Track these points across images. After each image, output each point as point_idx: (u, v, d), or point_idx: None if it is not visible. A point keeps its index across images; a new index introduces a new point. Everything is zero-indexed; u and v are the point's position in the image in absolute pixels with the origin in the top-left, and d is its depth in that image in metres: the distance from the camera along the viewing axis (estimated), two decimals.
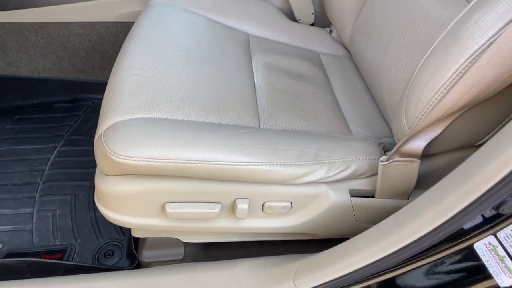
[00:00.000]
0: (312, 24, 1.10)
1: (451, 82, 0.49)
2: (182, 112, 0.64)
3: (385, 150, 0.71)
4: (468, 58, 0.47)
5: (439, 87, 0.50)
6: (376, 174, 0.66)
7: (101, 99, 0.75)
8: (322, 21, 1.09)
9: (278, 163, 0.59)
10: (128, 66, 0.71)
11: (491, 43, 0.45)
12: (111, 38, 1.12)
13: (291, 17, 1.07)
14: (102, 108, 0.66)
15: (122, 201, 0.61)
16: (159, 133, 0.57)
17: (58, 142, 1.10)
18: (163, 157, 0.55)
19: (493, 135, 0.63)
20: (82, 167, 1.03)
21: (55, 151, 1.07)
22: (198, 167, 0.56)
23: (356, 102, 0.86)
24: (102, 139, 0.57)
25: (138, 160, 0.54)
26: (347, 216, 0.68)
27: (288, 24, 1.03)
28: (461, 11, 0.60)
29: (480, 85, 0.47)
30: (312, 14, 1.07)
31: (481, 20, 0.47)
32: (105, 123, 0.60)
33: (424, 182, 0.67)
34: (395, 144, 0.67)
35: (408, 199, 0.68)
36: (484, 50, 0.46)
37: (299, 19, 1.08)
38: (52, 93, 1.21)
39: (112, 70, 0.74)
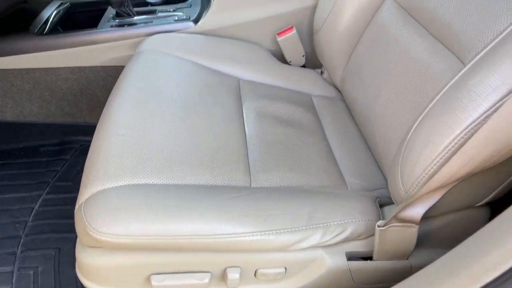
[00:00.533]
0: (304, 66, 1.09)
1: (446, 153, 0.47)
2: (169, 175, 0.61)
3: (381, 205, 0.69)
4: (463, 130, 0.46)
5: (435, 156, 0.48)
6: (373, 235, 0.63)
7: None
8: (313, 62, 1.09)
9: (271, 232, 0.56)
10: (114, 124, 0.68)
11: (486, 118, 0.44)
12: (100, 81, 1.10)
13: (282, 59, 1.06)
14: (85, 171, 0.63)
15: (104, 274, 0.58)
16: (144, 205, 0.54)
17: (43, 190, 1.06)
18: (148, 233, 0.51)
19: (494, 196, 0.61)
20: (67, 217, 0.98)
21: (40, 200, 1.03)
22: (186, 242, 0.53)
23: (350, 149, 0.84)
24: (83, 211, 0.54)
25: (120, 238, 0.51)
26: (344, 279, 0.65)
27: (279, 67, 1.02)
28: (452, 67, 0.60)
29: (477, 160, 0.45)
30: (303, 56, 1.06)
31: (474, 91, 0.45)
32: (86, 191, 0.57)
33: (424, 241, 0.65)
34: (391, 197, 0.65)
35: (407, 259, 0.65)
36: (479, 123, 0.44)
37: (290, 61, 1.07)
38: (38, 137, 1.18)
39: (97, 127, 0.71)
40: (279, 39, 1.01)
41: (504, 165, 0.54)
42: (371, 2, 0.85)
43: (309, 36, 1.05)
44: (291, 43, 1.02)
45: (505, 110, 0.41)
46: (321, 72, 1.06)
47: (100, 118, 0.75)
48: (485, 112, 0.44)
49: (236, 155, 0.71)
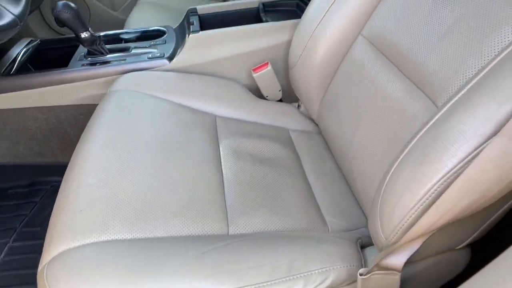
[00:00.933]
0: (281, 100, 1.09)
1: (424, 202, 0.47)
2: (140, 228, 0.58)
3: (363, 246, 0.67)
4: (440, 179, 0.45)
5: (413, 205, 0.48)
6: (355, 281, 0.61)
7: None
8: (290, 96, 1.09)
9: (249, 287, 0.53)
10: (83, 173, 0.65)
11: (461, 168, 0.43)
12: (72, 120, 1.06)
13: (259, 94, 1.05)
14: (49, 227, 0.59)
15: None
16: (112, 267, 0.50)
17: (10, 237, 1.00)
18: None
19: (474, 238, 0.60)
20: (36, 266, 0.93)
21: (6, 248, 0.97)
22: None
23: (330, 186, 0.83)
24: (45, 274, 0.50)
25: None
26: None
27: (255, 102, 1.02)
28: (426, 109, 0.60)
29: (455, 210, 0.44)
30: (279, 90, 1.06)
31: (448, 140, 0.45)
32: (50, 251, 0.53)
33: (406, 285, 0.63)
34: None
35: None
36: (455, 173, 0.44)
37: (267, 96, 1.07)
38: (6, 179, 1.12)
39: (65, 175, 0.68)
40: (254, 75, 1.01)
41: (483, 209, 0.53)
42: (344, 39, 0.86)
43: (284, 71, 1.06)
44: (267, 79, 1.02)
45: (479, 163, 0.41)
46: (298, 106, 1.06)
47: (69, 165, 0.72)
48: (459, 163, 0.44)
49: (212, 200, 0.69)
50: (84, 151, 0.73)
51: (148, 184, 0.66)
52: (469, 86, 0.49)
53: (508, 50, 0.46)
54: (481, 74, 0.48)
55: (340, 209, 0.77)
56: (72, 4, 0.93)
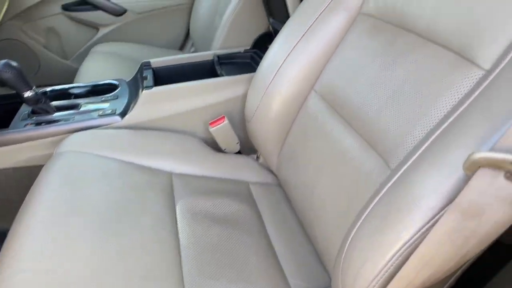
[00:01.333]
0: (239, 152, 1.08)
1: (383, 275, 0.46)
2: None
3: None
4: (397, 251, 0.45)
5: (372, 278, 0.47)
6: None
7: None
8: (248, 147, 1.08)
9: None
10: (18, 256, 0.58)
11: (416, 239, 0.43)
12: (13, 184, 0.98)
13: (216, 147, 1.04)
14: None
15: None
16: None
17: None
18: None
19: None
20: None
21: None
22: None
23: (292, 244, 0.81)
24: None
25: None
26: None
27: (213, 156, 0.99)
28: (381, 169, 0.60)
29: (415, 283, 0.43)
30: (237, 143, 1.05)
31: (402, 210, 0.45)
32: None
33: None
34: None
35: None
36: (411, 244, 0.44)
37: (225, 149, 1.05)
38: None
39: (0, 254, 0.61)
40: (211, 129, 1.00)
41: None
42: (298, 94, 0.87)
43: (241, 123, 1.05)
44: (224, 133, 1.01)
45: (434, 236, 0.41)
46: (257, 157, 1.05)
47: (4, 243, 0.65)
48: (415, 234, 0.43)
49: (168, 274, 0.64)
50: (23, 225, 0.66)
51: (95, 263, 0.61)
52: (418, 153, 0.50)
53: (451, 119, 0.48)
54: (427, 143, 0.49)
55: (304, 269, 0.74)
56: (14, 63, 0.88)
